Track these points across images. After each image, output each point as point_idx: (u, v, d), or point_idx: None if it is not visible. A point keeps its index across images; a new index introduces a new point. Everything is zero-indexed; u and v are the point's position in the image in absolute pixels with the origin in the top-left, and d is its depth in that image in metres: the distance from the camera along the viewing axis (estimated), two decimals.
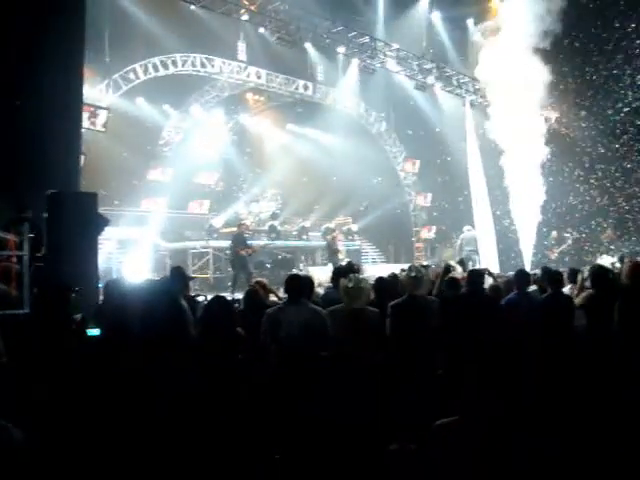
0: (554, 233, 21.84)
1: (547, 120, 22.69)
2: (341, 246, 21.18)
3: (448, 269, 8.39)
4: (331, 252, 19.76)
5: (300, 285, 6.24)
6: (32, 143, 10.09)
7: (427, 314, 6.32)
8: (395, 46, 23.02)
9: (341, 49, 22.17)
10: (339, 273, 7.95)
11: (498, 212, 23.07)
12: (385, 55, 22.73)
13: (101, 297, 5.53)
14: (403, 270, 9.24)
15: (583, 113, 25.13)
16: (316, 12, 20.69)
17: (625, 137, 24.41)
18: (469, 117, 23.95)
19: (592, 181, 24.99)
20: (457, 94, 25.15)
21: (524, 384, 2.55)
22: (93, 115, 18.02)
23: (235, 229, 18.09)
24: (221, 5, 18.65)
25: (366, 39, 22.16)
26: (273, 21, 19.68)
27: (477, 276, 7.58)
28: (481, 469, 2.34)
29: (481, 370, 2.56)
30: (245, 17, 19.59)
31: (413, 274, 6.53)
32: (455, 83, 24.87)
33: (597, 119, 24.92)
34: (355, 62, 22.30)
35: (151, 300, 2.02)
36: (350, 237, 22.88)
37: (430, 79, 24.05)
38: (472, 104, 24.31)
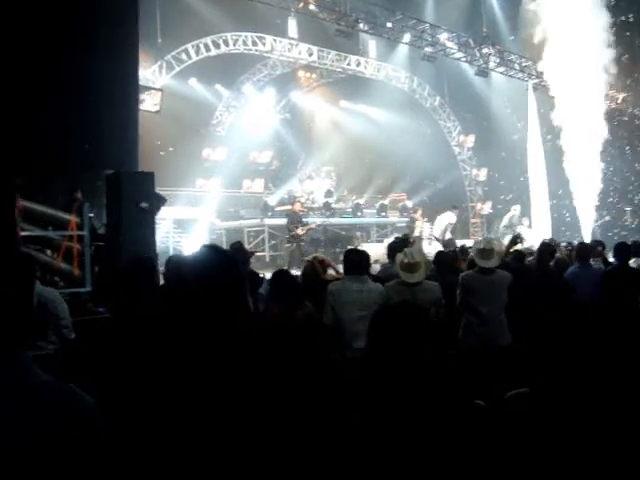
0: None
1: (613, 100, 22.32)
2: (420, 217, 21.15)
3: (515, 240, 8.30)
4: (411, 230, 19.91)
5: (360, 259, 6.22)
6: (92, 126, 10.24)
7: (500, 287, 6.27)
8: (455, 32, 22.80)
9: (401, 38, 21.95)
10: (394, 248, 7.93)
11: (560, 191, 22.78)
12: (445, 45, 22.52)
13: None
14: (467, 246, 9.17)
15: None
16: None
17: None
18: (532, 101, 23.67)
19: None
20: (519, 78, 24.72)
21: (588, 360, 2.46)
22: (147, 96, 18.20)
23: (290, 207, 18.13)
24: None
25: (426, 26, 21.95)
26: (333, 13, 19.51)
27: (545, 248, 7.52)
28: (550, 442, 2.29)
29: (548, 343, 2.50)
30: (304, 10, 19.46)
31: (482, 246, 6.47)
32: (517, 67, 24.42)
33: None
34: (407, 37, 21.95)
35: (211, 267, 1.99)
36: (405, 213, 22.69)
37: (491, 64, 23.72)
38: (535, 88, 23.94)
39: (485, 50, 23.29)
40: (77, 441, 1.31)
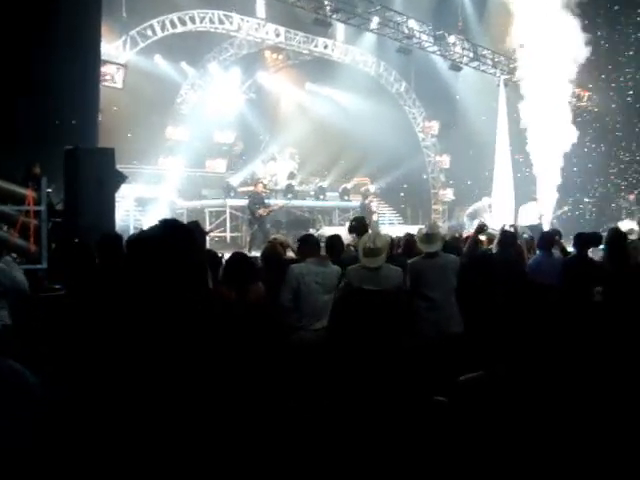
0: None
1: (579, 98, 22.74)
2: (375, 208, 21.66)
3: (481, 229, 8.33)
4: (366, 214, 20.01)
5: (316, 242, 6.27)
6: (50, 100, 10.05)
7: (447, 272, 6.29)
8: (430, 25, 22.90)
9: (379, 29, 21.81)
10: (354, 229, 7.99)
11: (519, 175, 23.28)
12: (421, 38, 22.57)
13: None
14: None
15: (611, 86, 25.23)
16: None
17: None
18: (502, 97, 24.00)
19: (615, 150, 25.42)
20: (491, 74, 24.89)
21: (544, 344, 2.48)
22: (110, 71, 17.90)
23: (252, 188, 18.04)
24: None
25: (403, 18, 21.91)
26: (311, 1, 19.27)
27: (506, 235, 7.60)
28: (506, 424, 2.30)
29: (504, 329, 2.51)
30: None
31: (425, 231, 6.51)
32: (490, 63, 24.62)
33: (624, 94, 25.15)
34: (375, 20, 21.74)
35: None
36: (364, 197, 22.78)
37: (465, 59, 23.88)
38: (505, 83, 24.23)
39: (459, 44, 23.36)
40: (12, 416, 1.27)
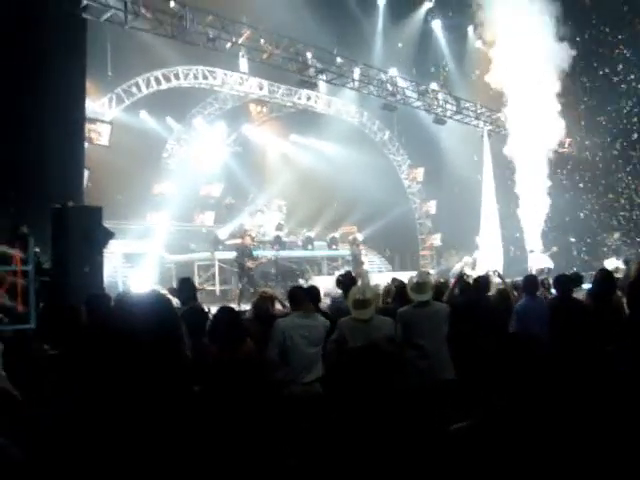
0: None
1: (560, 144, 23.09)
2: (364, 257, 21.71)
3: (462, 277, 8.42)
4: (357, 263, 20.02)
5: (306, 295, 6.25)
6: (35, 158, 10.10)
7: (438, 320, 6.29)
8: (414, 81, 23.35)
9: (361, 87, 22.04)
10: (341, 284, 7.99)
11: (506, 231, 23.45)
12: (405, 94, 22.90)
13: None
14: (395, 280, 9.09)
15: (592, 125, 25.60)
16: (320, 35, 20.61)
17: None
18: (486, 147, 24.28)
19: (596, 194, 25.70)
20: (474, 125, 25.26)
21: (536, 388, 2.50)
22: (96, 129, 18.03)
23: (240, 241, 18.06)
24: (246, 52, 18.73)
25: (387, 76, 22.34)
26: (297, 64, 19.49)
27: (481, 283, 7.62)
28: (495, 472, 2.31)
29: (494, 374, 2.53)
30: (269, 60, 19.19)
31: (416, 280, 6.52)
32: (472, 115, 24.98)
33: (605, 137, 25.49)
34: (357, 71, 22.02)
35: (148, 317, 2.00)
36: (355, 246, 22.87)
37: (448, 112, 24.16)
38: (489, 134, 24.54)
39: (442, 98, 23.75)
40: None
